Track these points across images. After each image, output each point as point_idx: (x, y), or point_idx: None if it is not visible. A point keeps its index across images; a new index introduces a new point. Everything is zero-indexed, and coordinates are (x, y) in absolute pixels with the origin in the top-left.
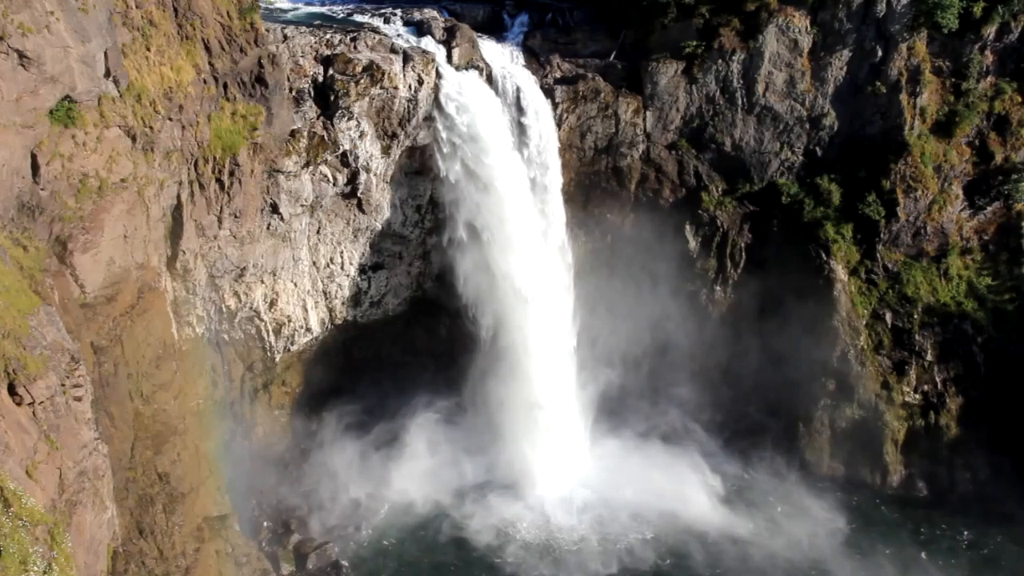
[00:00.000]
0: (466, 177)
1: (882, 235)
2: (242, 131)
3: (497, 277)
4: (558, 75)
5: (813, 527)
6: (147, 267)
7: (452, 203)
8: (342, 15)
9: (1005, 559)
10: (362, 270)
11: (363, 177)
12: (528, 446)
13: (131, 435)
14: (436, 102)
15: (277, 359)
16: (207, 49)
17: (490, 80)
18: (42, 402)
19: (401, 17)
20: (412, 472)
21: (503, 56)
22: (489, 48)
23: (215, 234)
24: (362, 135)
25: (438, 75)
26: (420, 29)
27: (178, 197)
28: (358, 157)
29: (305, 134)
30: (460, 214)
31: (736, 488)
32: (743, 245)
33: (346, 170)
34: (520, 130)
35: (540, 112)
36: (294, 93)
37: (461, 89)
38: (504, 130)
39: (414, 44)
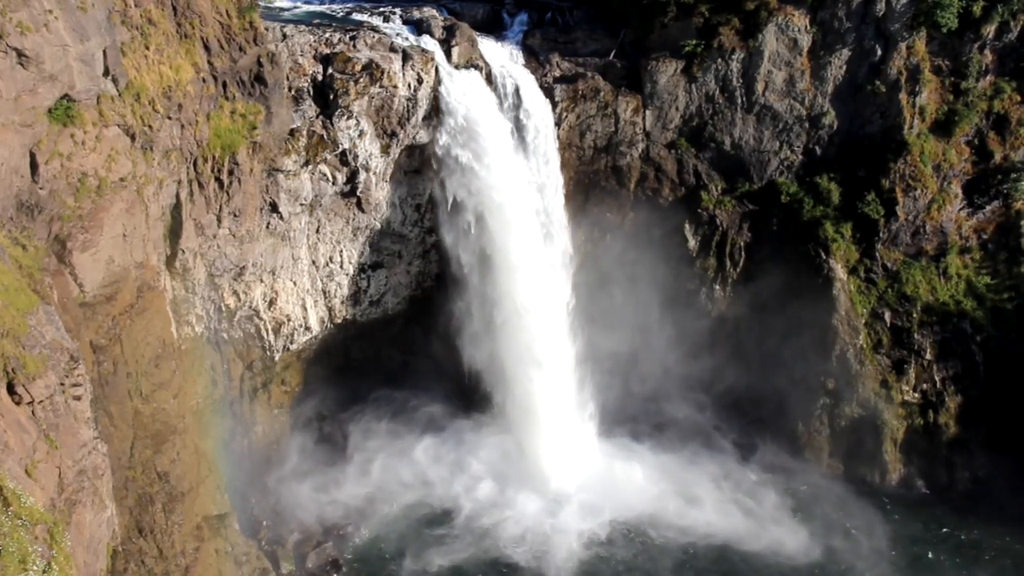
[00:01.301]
0: (466, 176)
1: (881, 234)
2: (241, 130)
3: (495, 270)
4: (557, 74)
5: (817, 524)
6: (146, 266)
7: (449, 198)
8: (341, 14)
9: (1012, 559)
10: (361, 269)
11: (362, 176)
12: (533, 448)
13: (130, 434)
14: (435, 101)
15: (276, 358)
16: (206, 48)
17: (489, 79)
18: (41, 401)
19: (400, 16)
20: (413, 472)
21: (502, 55)
22: (488, 47)
23: (214, 233)
24: (361, 134)
25: (437, 74)
26: (419, 28)
27: (177, 196)
28: (357, 156)
29: (304, 133)
30: (459, 209)
31: (736, 486)
32: (742, 244)
33: (345, 169)
34: (520, 129)
35: (539, 111)
36: (293, 92)
37: (460, 88)
38: (503, 129)
39: (413, 43)
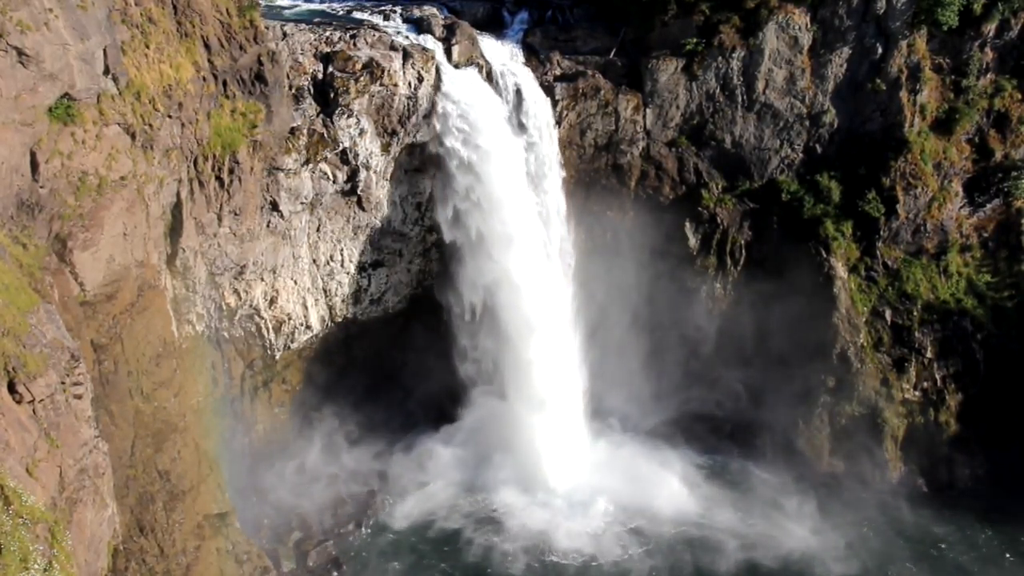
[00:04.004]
0: (466, 173)
1: (882, 232)
2: (242, 129)
3: (496, 272)
4: (558, 72)
5: (817, 522)
6: (147, 265)
7: (450, 197)
8: (342, 12)
9: (1014, 557)
10: (362, 268)
11: (363, 175)
12: (534, 445)
13: (131, 433)
14: (435, 99)
15: (277, 357)
16: (206, 47)
17: (490, 77)
18: (42, 400)
19: (400, 14)
20: (414, 470)
21: (503, 53)
22: (489, 45)
23: (215, 232)
24: (362, 132)
25: (438, 72)
26: (420, 26)
27: (178, 195)
28: (358, 155)
29: (305, 132)
30: (458, 211)
31: (736, 484)
32: (743, 242)
33: (346, 168)
34: (520, 128)
35: (540, 109)
36: (294, 91)
37: (461, 87)
38: (504, 127)
39: (414, 41)
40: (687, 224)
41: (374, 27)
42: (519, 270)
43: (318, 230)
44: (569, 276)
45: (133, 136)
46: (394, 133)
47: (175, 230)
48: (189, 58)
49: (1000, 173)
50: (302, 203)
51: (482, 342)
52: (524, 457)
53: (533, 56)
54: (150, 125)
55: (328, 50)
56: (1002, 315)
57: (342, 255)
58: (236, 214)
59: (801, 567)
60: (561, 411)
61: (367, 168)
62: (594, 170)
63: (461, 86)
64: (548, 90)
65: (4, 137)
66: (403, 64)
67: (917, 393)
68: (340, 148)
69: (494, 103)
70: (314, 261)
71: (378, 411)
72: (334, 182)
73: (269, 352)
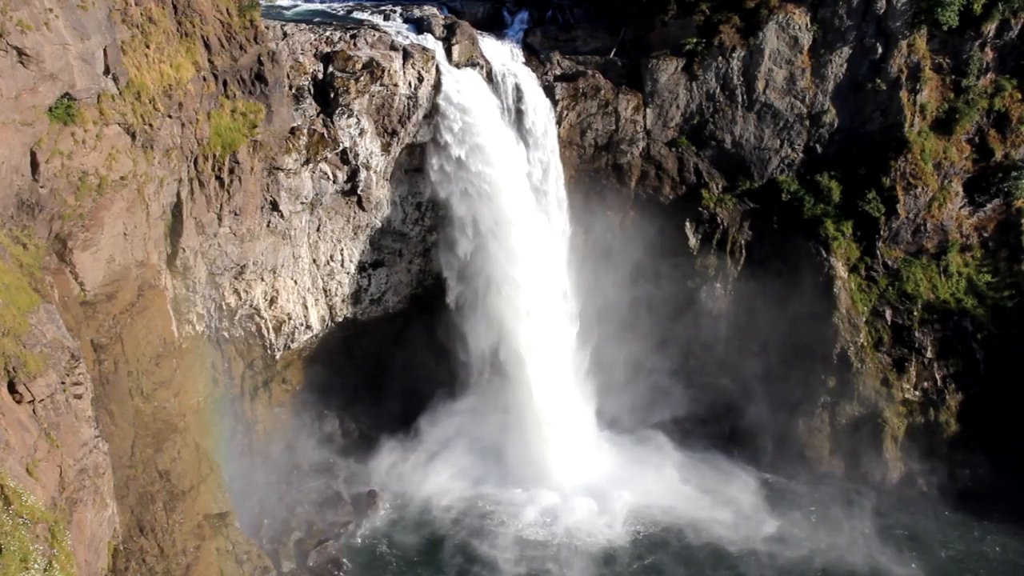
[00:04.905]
0: (465, 174)
1: (882, 232)
2: (242, 128)
3: (496, 271)
4: (558, 72)
5: (818, 521)
6: (147, 265)
7: (449, 199)
8: (342, 12)
9: (1014, 556)
10: (362, 267)
11: (363, 174)
12: (535, 445)
13: (131, 433)
14: (436, 99)
15: (277, 357)
16: (207, 46)
17: (490, 77)
18: (42, 400)
19: (401, 14)
20: (414, 469)
21: (503, 53)
22: (489, 45)
23: (215, 232)
24: (362, 132)
25: (438, 72)
26: (420, 26)
27: (178, 195)
28: (358, 154)
29: (305, 131)
30: (458, 210)
31: (736, 484)
32: (743, 242)
33: (346, 167)
34: (520, 127)
35: (540, 109)
36: (294, 90)
37: (461, 86)
38: (504, 128)
39: (414, 41)
40: (687, 224)
41: (374, 27)
42: (518, 266)
43: (318, 230)
44: (568, 273)
45: (133, 136)
46: (394, 133)
47: (175, 230)
48: (189, 58)
49: (1000, 173)
50: (302, 203)
51: (487, 385)
52: (527, 457)
53: (533, 56)
54: (150, 125)
55: (328, 50)
56: (1002, 315)
57: (342, 255)
58: (236, 214)
59: (800, 566)
60: (560, 410)
61: (367, 168)
62: (594, 170)
63: (461, 86)
64: (548, 90)
65: (4, 137)
66: (403, 64)
67: (917, 393)
68: (340, 148)
69: (494, 103)
70: (314, 261)
71: (378, 410)
72: (334, 182)
73: (269, 352)
